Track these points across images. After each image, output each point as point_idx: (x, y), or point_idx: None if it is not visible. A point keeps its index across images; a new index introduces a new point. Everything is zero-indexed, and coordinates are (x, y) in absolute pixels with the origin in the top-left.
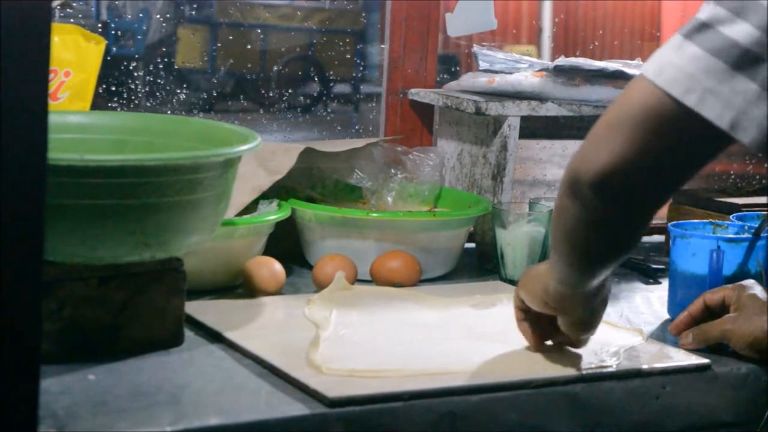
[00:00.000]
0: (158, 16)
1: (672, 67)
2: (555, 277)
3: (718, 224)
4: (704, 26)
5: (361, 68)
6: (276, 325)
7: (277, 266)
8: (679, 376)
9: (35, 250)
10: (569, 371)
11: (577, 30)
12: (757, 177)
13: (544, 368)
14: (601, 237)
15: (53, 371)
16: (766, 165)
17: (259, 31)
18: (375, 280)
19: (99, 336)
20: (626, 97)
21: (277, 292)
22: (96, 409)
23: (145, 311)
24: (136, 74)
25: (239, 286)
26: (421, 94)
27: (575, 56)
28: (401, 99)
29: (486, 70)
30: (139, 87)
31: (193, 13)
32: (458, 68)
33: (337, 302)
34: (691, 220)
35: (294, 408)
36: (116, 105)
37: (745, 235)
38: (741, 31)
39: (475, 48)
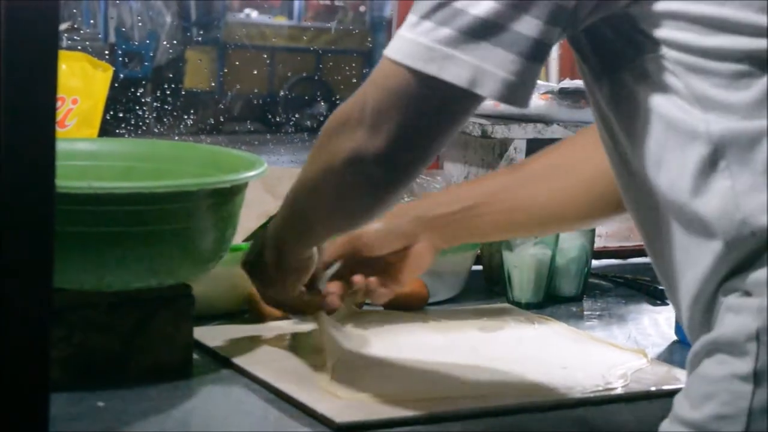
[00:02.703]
0: (165, 41)
1: (410, 43)
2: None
3: None
4: (440, 5)
5: None
6: (284, 350)
7: None
8: None
9: (45, 277)
10: (576, 394)
11: None
12: None
13: (551, 391)
14: (370, 203)
15: (62, 398)
16: None
17: (265, 55)
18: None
19: (108, 362)
20: (382, 81)
21: (284, 317)
22: None
23: (154, 337)
24: (143, 99)
25: (247, 311)
26: None
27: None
28: None
29: None
30: (147, 112)
31: (200, 37)
32: None
33: (343, 326)
34: None
35: None
36: (124, 131)
37: None
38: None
39: None
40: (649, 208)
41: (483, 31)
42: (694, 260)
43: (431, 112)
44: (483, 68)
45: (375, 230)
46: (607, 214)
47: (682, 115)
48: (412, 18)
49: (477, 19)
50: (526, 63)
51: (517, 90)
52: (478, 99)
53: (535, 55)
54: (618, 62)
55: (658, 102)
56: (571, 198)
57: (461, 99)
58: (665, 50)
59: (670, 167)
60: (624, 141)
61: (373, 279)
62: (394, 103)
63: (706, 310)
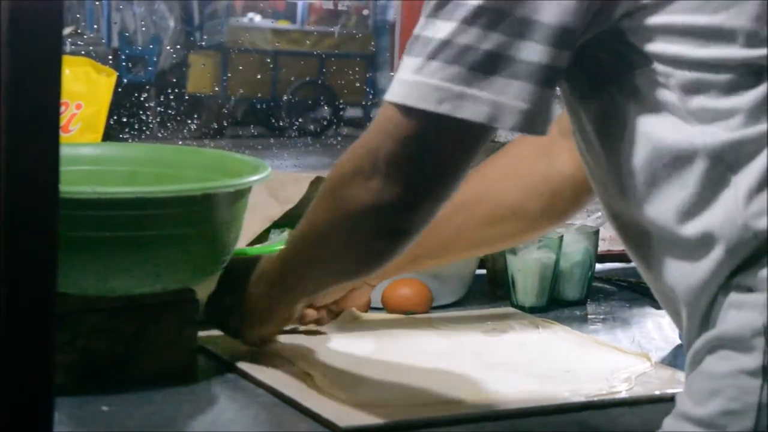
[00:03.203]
0: (168, 45)
1: (419, 86)
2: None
3: None
4: (444, 43)
5: (371, 94)
6: (288, 355)
7: None
8: None
9: (48, 282)
10: (580, 398)
11: None
12: None
13: (555, 395)
14: (388, 250)
15: (66, 403)
16: None
17: (268, 60)
18: (386, 307)
19: (112, 367)
20: (393, 129)
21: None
22: None
23: (157, 342)
24: (147, 104)
25: None
26: None
27: None
28: None
29: None
30: (150, 117)
31: (204, 42)
32: None
33: (347, 330)
34: None
35: None
36: (128, 135)
37: None
38: (448, 29)
39: None
40: (637, 225)
41: (492, 64)
42: (691, 271)
43: (449, 152)
44: (500, 102)
45: None
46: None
47: (675, 135)
48: (414, 60)
49: (486, 54)
50: (540, 90)
51: (536, 118)
52: (493, 131)
53: (547, 80)
54: (607, 79)
55: (650, 121)
56: (471, 234)
57: (479, 135)
58: (657, 65)
59: (665, 188)
60: (609, 163)
61: (323, 312)
62: (410, 150)
63: (705, 311)
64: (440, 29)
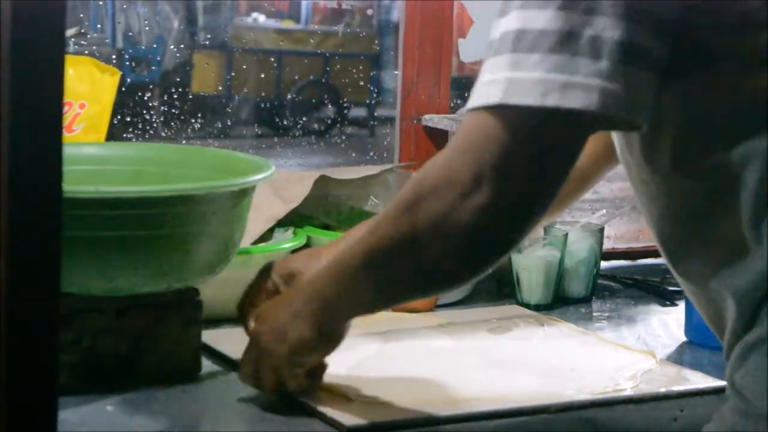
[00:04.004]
0: (172, 45)
1: (517, 83)
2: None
3: None
4: (541, 33)
5: (375, 94)
6: None
7: None
8: (697, 399)
9: (52, 282)
10: (586, 396)
11: None
12: None
13: (560, 393)
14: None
15: (71, 402)
16: None
17: (272, 59)
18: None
19: (116, 367)
20: (495, 132)
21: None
22: None
23: (162, 341)
24: (151, 103)
25: None
26: (434, 120)
27: None
28: (415, 125)
29: None
30: (154, 116)
31: (208, 41)
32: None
33: (351, 329)
34: None
35: None
36: (131, 135)
37: None
38: (545, 18)
39: None
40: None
41: (596, 49)
42: (743, 269)
43: (560, 148)
44: (608, 88)
45: None
46: None
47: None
48: (506, 58)
49: (589, 39)
50: (648, 78)
51: (640, 107)
52: (602, 120)
53: (654, 67)
54: (687, 70)
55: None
56: None
57: (588, 125)
58: (739, 54)
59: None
60: (674, 157)
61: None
62: (520, 152)
63: (753, 312)
64: (533, 19)
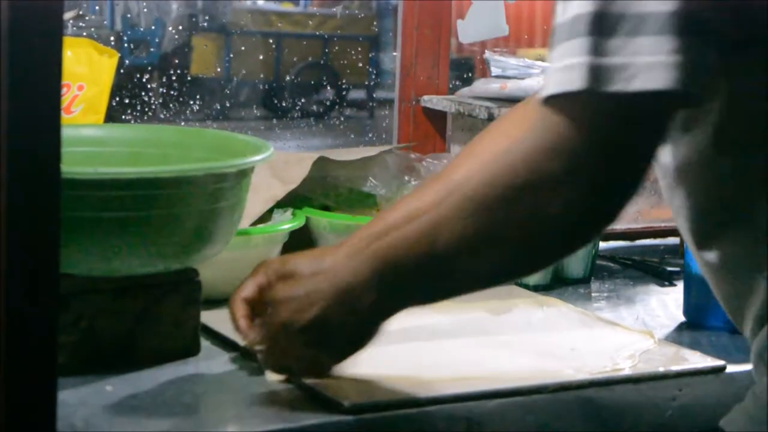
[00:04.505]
0: (171, 27)
1: (599, 68)
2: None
3: None
4: (597, 15)
5: (374, 75)
6: None
7: None
8: (695, 378)
9: (51, 263)
10: (584, 375)
11: None
12: None
13: (559, 373)
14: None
15: (70, 383)
16: None
17: (271, 40)
18: None
19: (116, 347)
20: (583, 122)
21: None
22: (114, 420)
23: (161, 322)
24: (149, 85)
25: None
26: (433, 101)
27: None
28: (414, 106)
29: (498, 76)
30: (153, 98)
31: (206, 23)
32: (471, 74)
33: None
34: None
35: (310, 416)
36: (130, 117)
37: None
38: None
39: (488, 54)
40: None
41: (679, 27)
42: None
43: (648, 132)
44: (688, 64)
45: None
46: None
47: None
48: (581, 42)
49: (669, 17)
50: (714, 56)
51: (701, 83)
52: (687, 97)
53: (720, 44)
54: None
55: None
56: None
57: (673, 104)
58: None
59: None
60: (718, 138)
61: None
62: (609, 138)
63: None
64: (609, 2)
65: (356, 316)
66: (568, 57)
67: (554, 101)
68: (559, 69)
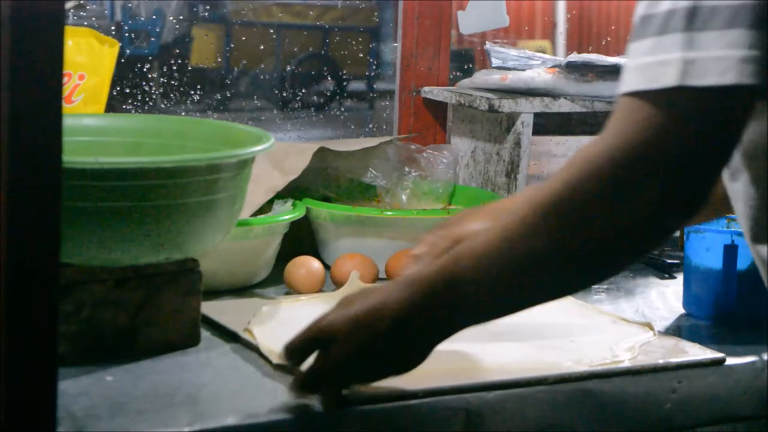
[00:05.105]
0: (172, 17)
1: (695, 63)
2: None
3: (732, 219)
4: (693, 9)
5: (374, 66)
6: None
7: (316, 265)
8: (695, 371)
9: (52, 253)
10: (584, 367)
11: (591, 25)
12: None
13: (559, 364)
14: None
15: (71, 373)
16: None
17: (272, 30)
18: (390, 278)
19: (116, 337)
20: (664, 125)
21: (317, 291)
22: (114, 410)
23: (161, 312)
24: (150, 75)
25: (255, 285)
26: (434, 92)
27: (588, 52)
28: (414, 97)
29: (499, 68)
30: (154, 88)
31: (207, 13)
32: (472, 65)
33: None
34: None
35: (310, 407)
36: (131, 107)
37: None
38: None
39: (488, 45)
40: None
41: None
42: None
43: (733, 128)
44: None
45: None
46: None
47: None
48: (673, 37)
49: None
50: None
51: None
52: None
53: None
54: None
55: None
56: None
57: (756, 98)
58: None
59: None
60: None
61: None
62: (700, 137)
63: None
64: None
65: (411, 341)
66: (661, 52)
67: (642, 97)
68: (649, 64)
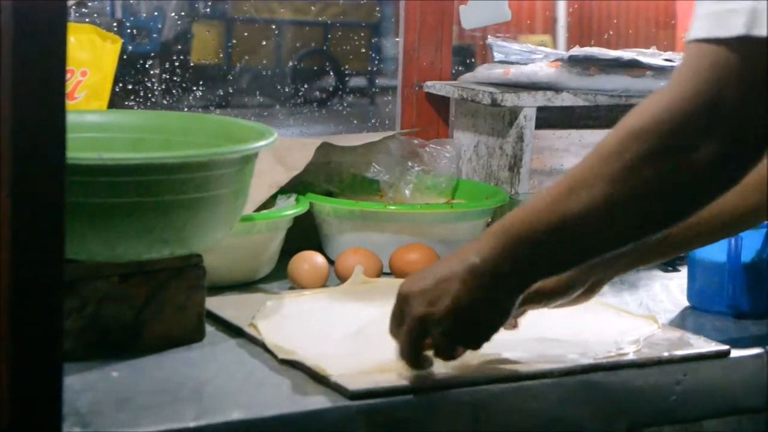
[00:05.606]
0: (173, 13)
1: (764, 12)
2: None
3: None
4: None
5: (376, 62)
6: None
7: (319, 260)
8: (699, 363)
9: (56, 249)
10: (589, 360)
11: (592, 19)
12: None
13: (563, 357)
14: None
15: (76, 369)
16: None
17: (273, 26)
18: (394, 272)
19: (121, 333)
20: (738, 68)
21: (321, 286)
22: (119, 405)
23: (165, 308)
24: (152, 72)
25: (259, 281)
26: (436, 87)
27: (590, 46)
28: (417, 92)
29: (501, 62)
30: (156, 85)
31: (208, 10)
32: (473, 60)
33: (356, 295)
34: None
35: (315, 401)
36: (133, 103)
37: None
38: None
39: (490, 40)
40: None
41: None
42: None
43: None
44: None
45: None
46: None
47: None
48: None
49: None
50: None
51: None
52: None
53: None
54: None
55: None
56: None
57: None
58: None
59: None
60: None
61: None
62: (762, 86)
63: None
64: None
65: (488, 297)
66: (709, 3)
67: (708, 44)
68: (716, 12)
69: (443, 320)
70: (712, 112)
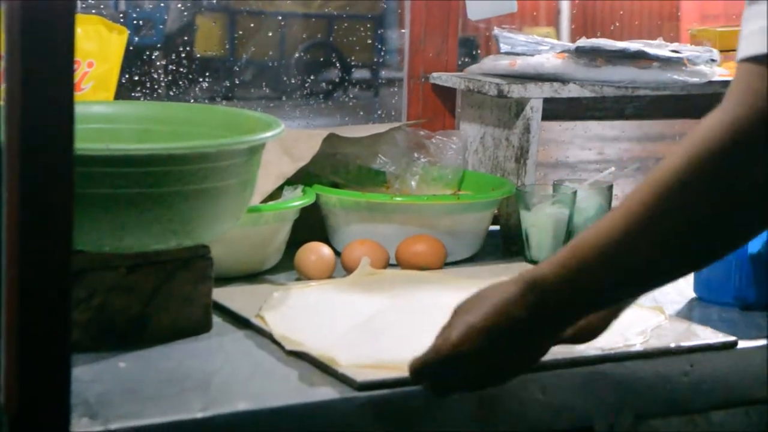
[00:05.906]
0: (178, 5)
1: None
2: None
3: None
4: None
5: (381, 53)
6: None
7: (326, 251)
8: (707, 354)
9: (64, 239)
10: (595, 351)
11: (596, 11)
12: None
13: (570, 348)
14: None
15: (84, 359)
16: None
17: (279, 18)
18: (400, 263)
19: (128, 324)
20: None
21: (328, 277)
22: (127, 396)
23: (173, 299)
24: (157, 63)
25: (266, 272)
26: (443, 78)
27: (596, 37)
28: (423, 83)
29: (507, 53)
30: (162, 76)
31: (213, 1)
32: (478, 51)
33: (363, 286)
34: None
35: (322, 392)
36: (139, 94)
37: None
38: None
39: (496, 31)
40: None
41: None
42: None
43: None
44: None
45: None
46: None
47: None
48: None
49: None
50: None
51: None
52: None
53: None
54: None
55: None
56: None
57: None
58: None
59: None
60: None
61: None
62: None
63: None
64: None
65: (520, 335)
66: (760, 18)
67: (761, 62)
68: (752, 31)
69: (475, 360)
70: (761, 131)
